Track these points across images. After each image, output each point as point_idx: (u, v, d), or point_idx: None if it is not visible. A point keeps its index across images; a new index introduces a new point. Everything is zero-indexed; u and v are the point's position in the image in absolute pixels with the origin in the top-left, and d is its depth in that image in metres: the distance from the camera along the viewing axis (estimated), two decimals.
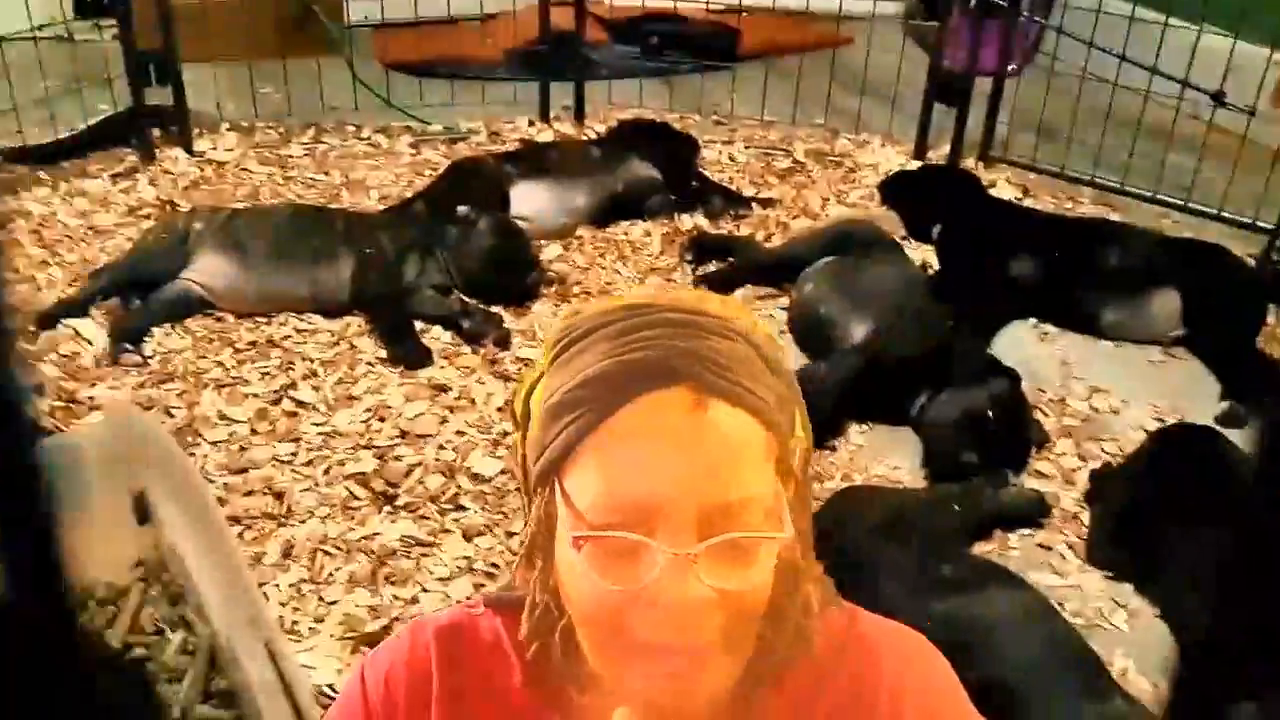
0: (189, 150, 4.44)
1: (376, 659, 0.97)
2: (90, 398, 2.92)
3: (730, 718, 0.91)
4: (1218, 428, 2.88)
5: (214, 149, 4.51)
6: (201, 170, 4.33)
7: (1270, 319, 3.47)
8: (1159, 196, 4.15)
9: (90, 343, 3.15)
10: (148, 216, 3.88)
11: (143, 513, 2.17)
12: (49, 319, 3.20)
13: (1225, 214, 3.99)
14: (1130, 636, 2.35)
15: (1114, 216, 4.11)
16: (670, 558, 0.78)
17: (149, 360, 3.10)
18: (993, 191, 4.20)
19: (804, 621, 0.90)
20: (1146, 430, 2.96)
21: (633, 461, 0.79)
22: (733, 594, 0.80)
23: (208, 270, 3.33)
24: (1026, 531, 2.63)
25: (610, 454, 0.80)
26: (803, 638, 0.90)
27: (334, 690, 2.11)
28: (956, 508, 2.49)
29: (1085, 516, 2.68)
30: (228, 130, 4.69)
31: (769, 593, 0.84)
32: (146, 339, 3.18)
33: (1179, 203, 4.10)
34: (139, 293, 3.32)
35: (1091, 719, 1.85)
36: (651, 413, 0.80)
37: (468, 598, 1.03)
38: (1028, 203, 4.26)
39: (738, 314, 0.87)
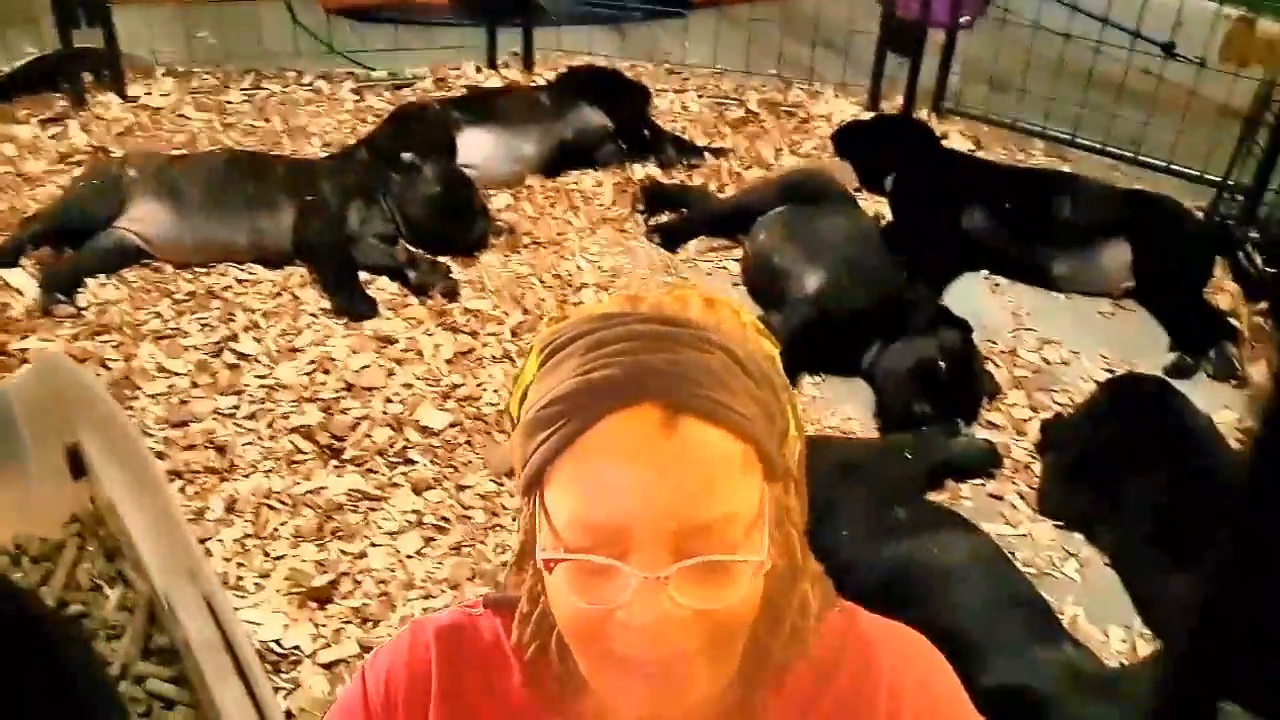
0: (122, 95, 4.28)
1: (377, 660, 0.96)
2: (21, 350, 2.81)
3: (729, 719, 0.90)
4: (1166, 378, 2.91)
5: (148, 94, 4.34)
6: (135, 116, 4.18)
7: (1217, 271, 3.50)
8: (1109, 149, 4.16)
9: (21, 293, 3.04)
10: (79, 163, 3.74)
11: (77, 466, 2.10)
12: None
13: (1175, 166, 4.01)
14: (1080, 585, 2.37)
15: (1065, 168, 4.12)
16: (642, 581, 0.77)
17: (83, 311, 2.99)
18: (945, 143, 4.18)
19: (800, 623, 0.89)
20: (1096, 381, 2.98)
21: (603, 484, 0.78)
22: (709, 612, 0.79)
23: (143, 218, 3.21)
24: (978, 481, 2.64)
25: (581, 476, 0.79)
26: (799, 639, 0.90)
27: (279, 646, 2.07)
28: (909, 455, 2.49)
29: (1036, 467, 2.70)
30: (163, 75, 4.52)
31: (755, 605, 0.83)
32: (80, 289, 3.07)
33: (1129, 155, 4.11)
34: (71, 242, 3.20)
35: (1040, 664, 1.85)
36: (620, 432, 0.78)
37: (468, 603, 1.00)
38: (980, 154, 4.25)
39: (722, 319, 0.84)
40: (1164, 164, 4.04)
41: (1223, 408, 2.92)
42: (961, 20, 4.55)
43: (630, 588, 0.77)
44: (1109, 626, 2.25)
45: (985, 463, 2.66)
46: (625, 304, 0.85)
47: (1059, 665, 1.86)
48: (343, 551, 2.30)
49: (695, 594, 0.78)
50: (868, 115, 4.47)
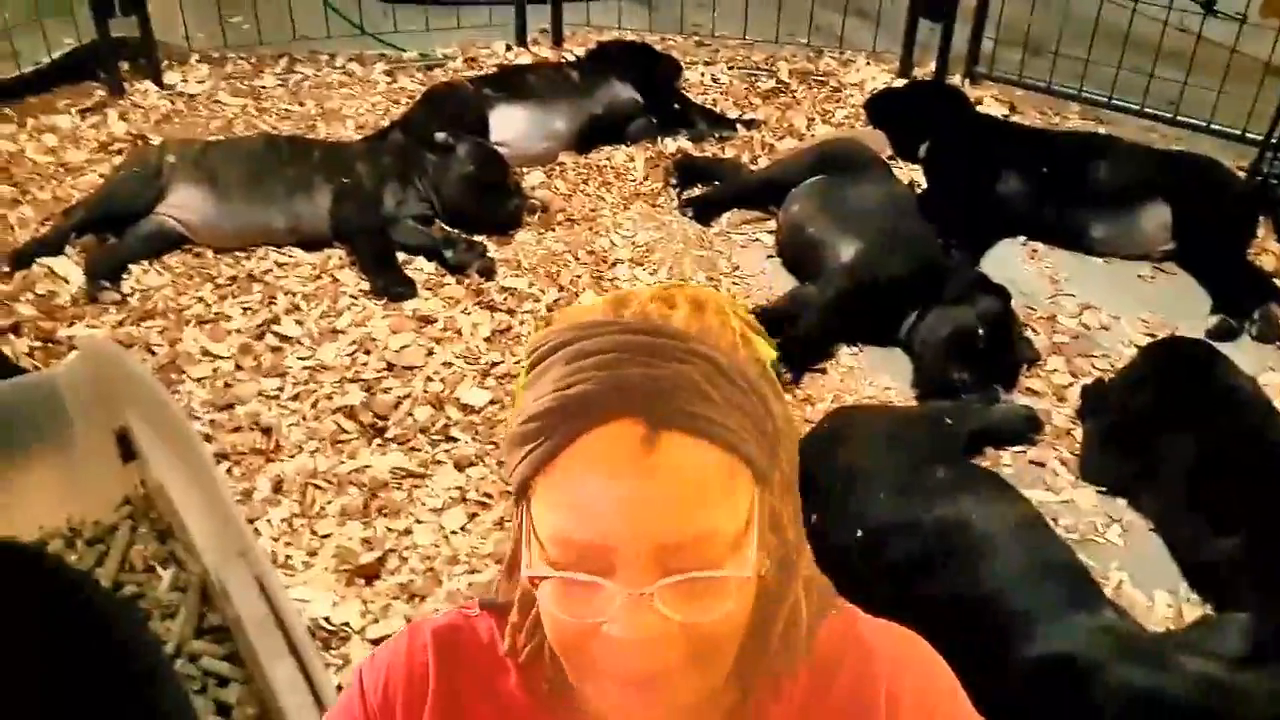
0: (159, 83, 4.33)
1: (375, 660, 0.97)
2: (69, 337, 2.86)
3: None
4: (1209, 341, 2.87)
5: (184, 81, 4.39)
6: (172, 103, 4.23)
7: (1260, 231, 3.44)
8: (1147, 110, 4.09)
9: (66, 281, 3.09)
10: (119, 152, 3.79)
11: (126, 450, 2.14)
12: (23, 258, 3.13)
13: (1215, 126, 3.94)
14: (1124, 550, 2.36)
15: (1101, 131, 4.06)
16: (626, 597, 0.76)
17: (127, 298, 3.04)
18: (979, 109, 4.14)
19: (793, 631, 0.89)
20: (1137, 346, 2.95)
21: (584, 502, 0.77)
22: (696, 625, 0.78)
23: (183, 204, 3.26)
24: (1019, 449, 2.63)
25: (562, 494, 0.78)
26: (792, 647, 0.89)
27: (329, 623, 2.11)
28: (949, 421, 2.47)
29: (1077, 433, 2.68)
30: (198, 62, 4.57)
31: (744, 616, 0.82)
32: (124, 276, 3.12)
33: (1168, 116, 4.05)
34: (114, 229, 3.25)
35: (1082, 630, 1.84)
36: (599, 449, 0.76)
37: (465, 604, 1.01)
38: (1014, 119, 4.20)
39: (708, 325, 0.82)
40: (1204, 124, 3.98)
41: (1267, 369, 2.89)
42: None
43: (615, 603, 0.76)
44: (1154, 591, 2.24)
45: (1026, 429, 2.65)
46: (611, 308, 0.83)
47: (1101, 631, 1.84)
48: (388, 529, 2.33)
49: (682, 608, 0.77)
50: (900, 82, 4.43)
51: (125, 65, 4.32)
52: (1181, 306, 3.20)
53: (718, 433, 0.77)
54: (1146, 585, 2.25)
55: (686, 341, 0.79)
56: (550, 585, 0.80)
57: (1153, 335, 3.03)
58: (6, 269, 3.10)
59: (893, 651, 0.95)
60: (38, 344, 2.82)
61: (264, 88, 4.40)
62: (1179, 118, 4.03)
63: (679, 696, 0.81)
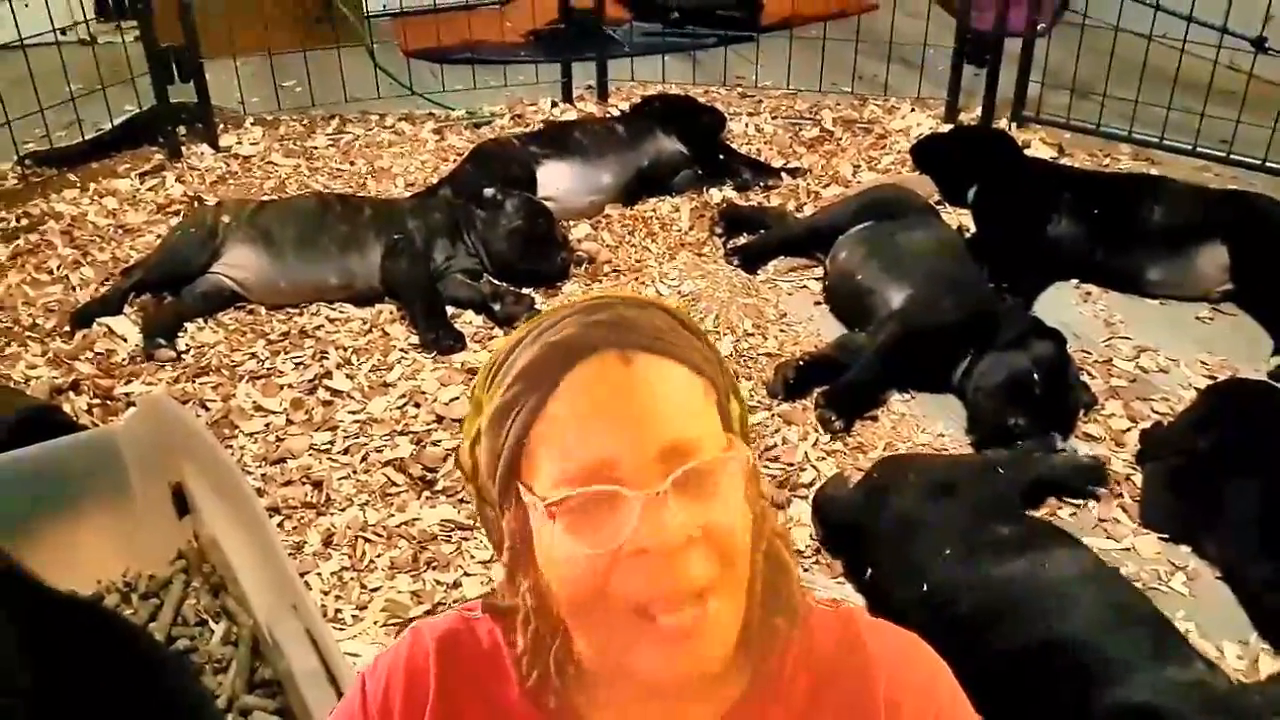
0: (214, 146, 4.44)
1: (377, 666, 0.97)
2: (126, 394, 2.92)
3: None
4: (1273, 382, 2.80)
5: (239, 143, 4.51)
6: (228, 165, 4.33)
7: None
8: (1200, 149, 4.04)
9: (125, 339, 3.16)
10: (176, 213, 3.89)
11: (181, 505, 2.16)
12: (83, 318, 3.21)
13: (1270, 164, 3.88)
14: (1190, 599, 2.28)
15: (1153, 172, 4.01)
16: (643, 500, 0.79)
17: (183, 355, 3.10)
18: (1028, 151, 4.11)
19: (783, 580, 0.90)
20: (1196, 388, 2.88)
21: (582, 425, 0.81)
22: (711, 528, 0.81)
23: (238, 263, 3.32)
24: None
25: (559, 428, 0.82)
26: (788, 601, 0.90)
27: None
28: (1001, 470, 2.42)
29: (1137, 478, 2.61)
30: (252, 124, 4.69)
31: (747, 521, 0.85)
32: (180, 334, 3.18)
33: (1221, 155, 4.00)
34: (170, 288, 3.33)
35: (1171, 684, 1.77)
36: (586, 380, 0.82)
37: (467, 605, 1.00)
38: (1064, 162, 4.16)
39: (655, 298, 0.92)
40: (1258, 162, 3.92)
41: None
42: (1039, 27, 4.47)
43: (634, 513, 0.78)
44: (1223, 642, 2.16)
45: (1090, 480, 2.58)
46: (555, 307, 0.91)
47: (1188, 686, 1.77)
48: (437, 581, 2.33)
49: (694, 507, 0.80)
50: (946, 128, 4.42)
51: (183, 130, 4.45)
52: (1241, 348, 3.13)
53: (683, 354, 0.84)
54: (1215, 635, 2.17)
55: (640, 301, 0.89)
56: (564, 522, 0.80)
57: (1213, 377, 2.96)
58: (68, 329, 3.18)
59: (893, 654, 0.95)
60: (96, 401, 2.88)
61: (316, 148, 4.50)
62: (1233, 156, 3.97)
63: (704, 636, 0.81)
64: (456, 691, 0.94)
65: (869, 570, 2.25)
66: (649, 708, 0.90)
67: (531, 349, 0.85)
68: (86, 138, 4.39)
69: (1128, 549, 2.41)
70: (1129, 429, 2.78)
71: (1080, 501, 2.54)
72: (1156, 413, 2.84)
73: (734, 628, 0.84)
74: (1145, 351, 3.11)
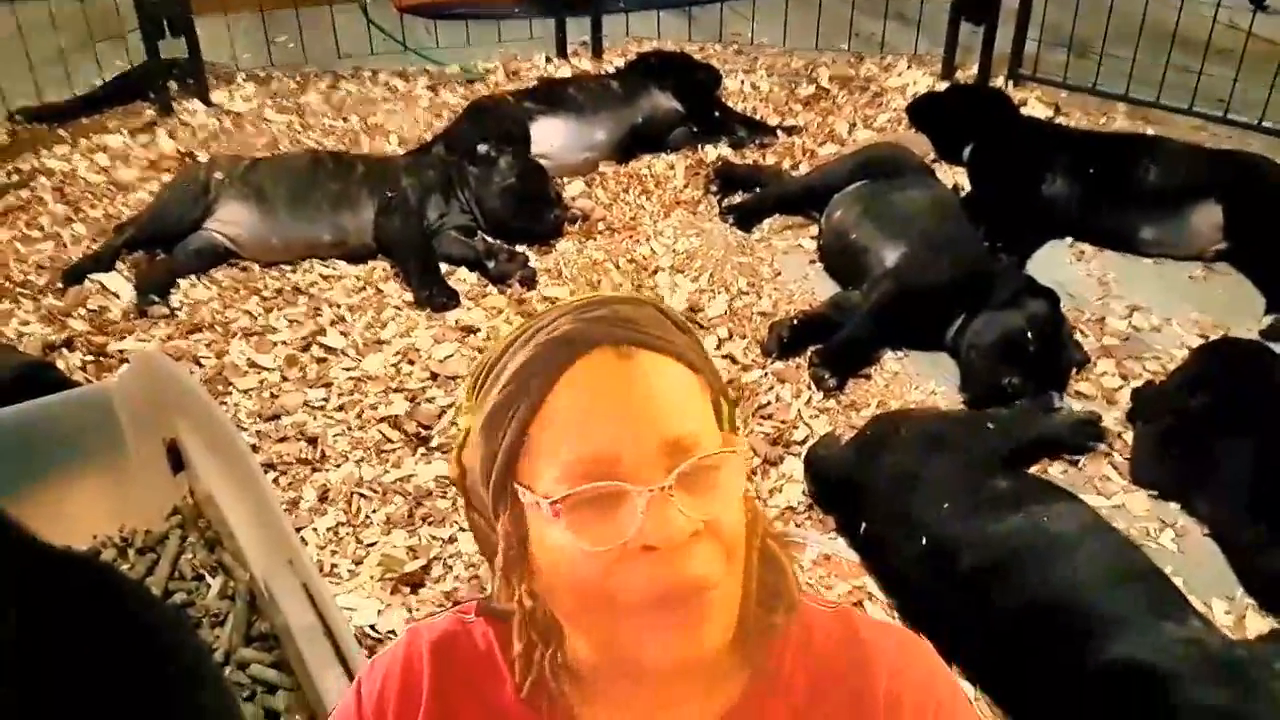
0: (206, 102, 4.41)
1: (373, 668, 0.97)
2: (120, 351, 2.92)
3: None
4: (1264, 341, 2.81)
5: (231, 100, 4.47)
6: (220, 121, 4.30)
7: None
8: (1196, 109, 4.03)
9: (117, 296, 3.15)
10: (168, 170, 3.86)
11: (176, 461, 2.17)
12: (76, 275, 3.20)
13: (1266, 124, 3.87)
14: (1179, 556, 2.30)
15: (1149, 132, 4.00)
16: (649, 496, 0.78)
17: (176, 312, 3.09)
18: (1024, 110, 4.09)
19: (779, 579, 0.90)
20: (1189, 347, 2.89)
21: (583, 421, 0.81)
22: (713, 523, 0.81)
23: (230, 220, 3.31)
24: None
25: (560, 424, 0.81)
26: (784, 598, 0.90)
27: (375, 631, 2.12)
28: (990, 425, 2.44)
29: (1128, 436, 2.63)
30: (244, 80, 4.64)
31: (744, 517, 0.85)
32: (173, 291, 3.17)
33: (1217, 115, 3.98)
34: (163, 245, 3.31)
35: (1165, 640, 1.79)
36: (585, 376, 0.82)
37: (462, 608, 1.00)
38: (1059, 121, 4.15)
39: (646, 296, 0.92)
40: (1254, 122, 3.90)
41: None
42: None
43: (639, 509, 0.78)
44: (1211, 599, 2.18)
45: (1087, 437, 2.59)
46: (544, 310, 0.90)
47: (1184, 644, 1.78)
48: (433, 537, 2.34)
49: (696, 505, 0.80)
50: (942, 86, 4.40)
51: (174, 86, 4.41)
52: (1234, 307, 3.13)
53: (678, 351, 0.84)
54: (1202, 592, 2.19)
55: (633, 299, 0.89)
56: (569, 519, 0.80)
57: (1205, 337, 2.97)
58: (60, 286, 3.17)
59: (893, 653, 0.95)
60: (90, 358, 2.88)
61: (308, 104, 4.46)
62: (1229, 116, 3.96)
63: (707, 625, 0.81)
64: (451, 693, 0.94)
65: (863, 525, 2.27)
66: (647, 706, 0.90)
67: (526, 349, 0.84)
68: (78, 94, 4.35)
69: (1118, 506, 2.43)
70: (1121, 387, 2.79)
71: (1072, 459, 2.56)
72: (1148, 371, 2.85)
73: (732, 616, 0.84)
74: (1138, 310, 3.12)
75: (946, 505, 2.10)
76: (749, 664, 0.91)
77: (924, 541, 2.08)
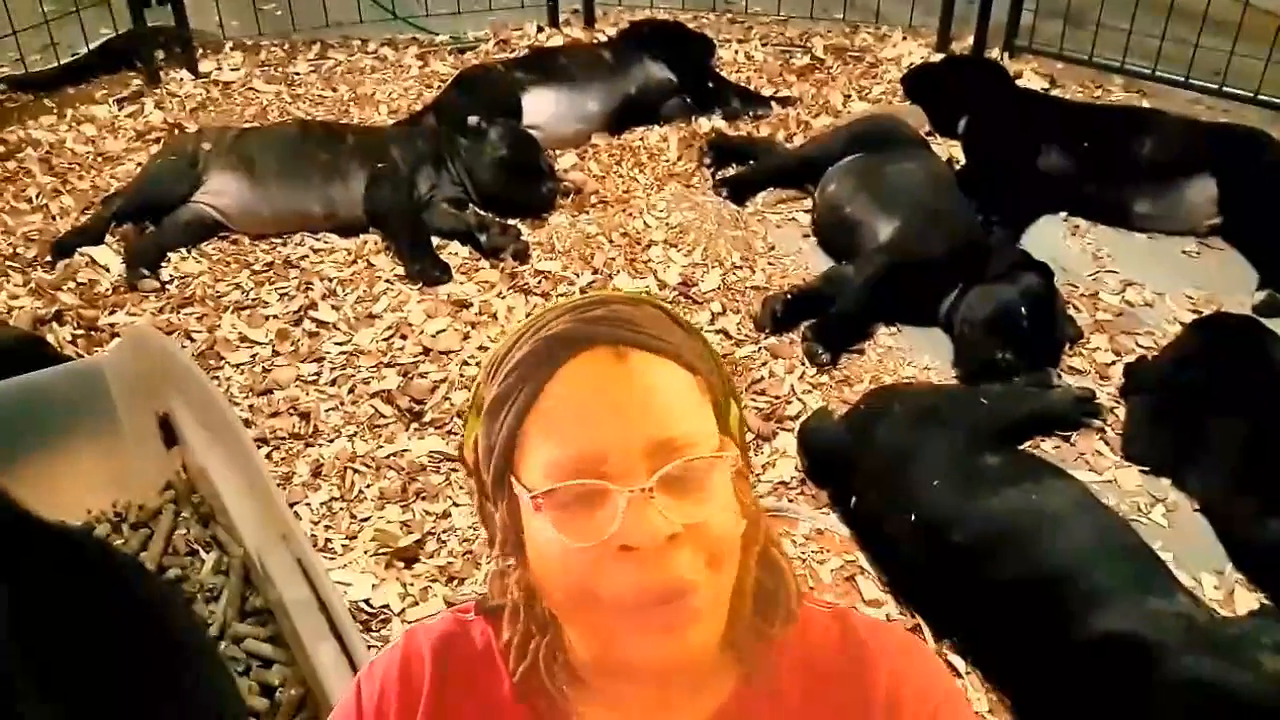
0: (194, 71, 4.36)
1: (373, 669, 0.98)
2: (110, 324, 2.90)
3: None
4: (1256, 317, 2.81)
5: (219, 69, 4.42)
6: (208, 91, 4.26)
7: None
8: (1192, 81, 4.01)
9: (107, 269, 3.13)
10: (156, 140, 3.83)
11: (169, 435, 2.16)
12: (65, 248, 3.17)
13: (1262, 97, 3.85)
14: (1169, 531, 2.32)
15: (1145, 104, 3.99)
16: (628, 497, 0.79)
17: (166, 285, 3.07)
18: (1019, 83, 4.07)
19: (771, 581, 0.89)
20: (1181, 322, 2.89)
21: (572, 419, 0.82)
22: (698, 526, 0.80)
23: (220, 191, 3.28)
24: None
25: (550, 420, 0.82)
26: (781, 603, 0.89)
27: (369, 605, 2.12)
28: (984, 401, 2.44)
29: (1120, 411, 2.64)
30: (232, 49, 4.59)
31: (737, 520, 0.85)
32: (163, 264, 3.15)
33: (1213, 87, 3.97)
34: (152, 217, 3.29)
35: (1153, 614, 1.81)
36: (579, 374, 0.83)
37: (460, 607, 1.00)
38: (1055, 93, 4.13)
39: (650, 296, 0.92)
40: (1250, 94, 3.89)
41: None
42: None
43: (619, 509, 0.79)
44: (1201, 574, 2.20)
45: (1082, 413, 2.59)
46: (550, 304, 0.91)
47: (1172, 616, 1.80)
48: (426, 512, 2.34)
49: (679, 507, 0.80)
50: (938, 57, 4.37)
51: (161, 54, 4.36)
52: (1227, 282, 3.13)
53: (677, 352, 0.85)
54: (1192, 566, 2.21)
55: (634, 298, 0.89)
56: (551, 515, 0.81)
57: (1198, 312, 2.97)
58: (49, 258, 3.14)
59: (891, 655, 0.94)
60: (80, 332, 2.86)
61: (297, 74, 4.42)
62: (1225, 89, 3.94)
63: (692, 625, 0.81)
64: (450, 693, 0.94)
65: (853, 499, 2.27)
66: (639, 703, 0.90)
67: (529, 344, 0.85)
68: (62, 62, 4.29)
69: (1109, 481, 2.44)
70: (1114, 362, 2.79)
71: (1064, 434, 2.57)
72: (1141, 346, 2.86)
73: (718, 623, 0.84)
74: (1132, 285, 3.12)
75: (937, 481, 2.11)
76: (743, 665, 0.91)
77: (914, 517, 2.09)
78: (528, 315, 0.96)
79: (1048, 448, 2.53)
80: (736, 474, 0.85)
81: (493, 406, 0.85)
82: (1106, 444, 2.55)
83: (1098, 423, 2.59)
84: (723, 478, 0.83)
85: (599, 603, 0.81)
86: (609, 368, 0.82)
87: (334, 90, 4.28)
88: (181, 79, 4.31)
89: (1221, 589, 2.17)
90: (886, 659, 0.93)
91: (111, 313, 2.95)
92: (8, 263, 3.15)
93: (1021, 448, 2.45)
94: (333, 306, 2.99)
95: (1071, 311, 2.95)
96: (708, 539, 0.81)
